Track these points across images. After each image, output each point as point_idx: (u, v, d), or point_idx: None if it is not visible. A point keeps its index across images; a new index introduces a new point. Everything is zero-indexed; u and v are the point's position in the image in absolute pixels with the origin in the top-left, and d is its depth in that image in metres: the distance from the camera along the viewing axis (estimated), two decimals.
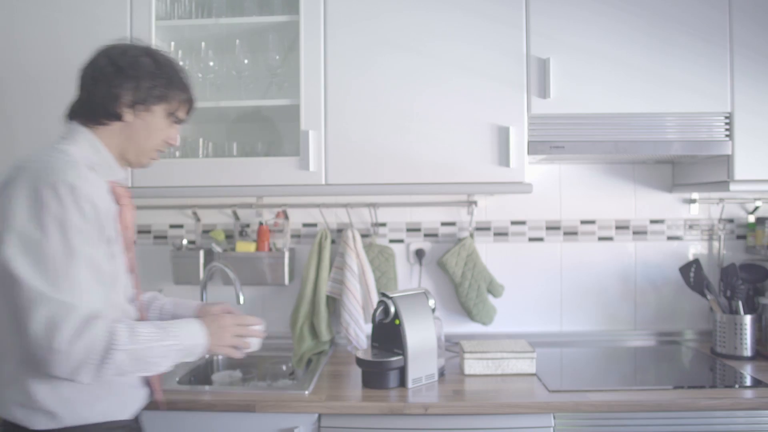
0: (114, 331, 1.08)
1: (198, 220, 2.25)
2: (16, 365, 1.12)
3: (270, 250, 2.14)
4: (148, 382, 1.33)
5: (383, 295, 1.79)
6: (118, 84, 1.22)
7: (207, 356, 1.16)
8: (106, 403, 1.20)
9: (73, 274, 1.07)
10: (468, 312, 2.18)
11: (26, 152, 1.86)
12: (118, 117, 1.23)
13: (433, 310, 1.81)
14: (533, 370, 1.79)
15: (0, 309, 1.11)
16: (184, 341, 1.19)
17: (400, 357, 1.69)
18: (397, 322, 1.72)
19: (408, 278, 2.25)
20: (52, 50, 1.88)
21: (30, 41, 1.89)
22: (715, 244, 2.24)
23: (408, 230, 2.26)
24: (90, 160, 1.22)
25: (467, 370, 1.80)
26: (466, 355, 1.80)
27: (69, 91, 1.91)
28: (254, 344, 1.35)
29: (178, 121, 1.33)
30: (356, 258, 2.10)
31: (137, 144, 1.28)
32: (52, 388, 1.13)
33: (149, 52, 1.27)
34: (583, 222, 2.25)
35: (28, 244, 1.06)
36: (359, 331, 2.04)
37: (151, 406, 1.36)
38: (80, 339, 1.04)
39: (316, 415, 1.58)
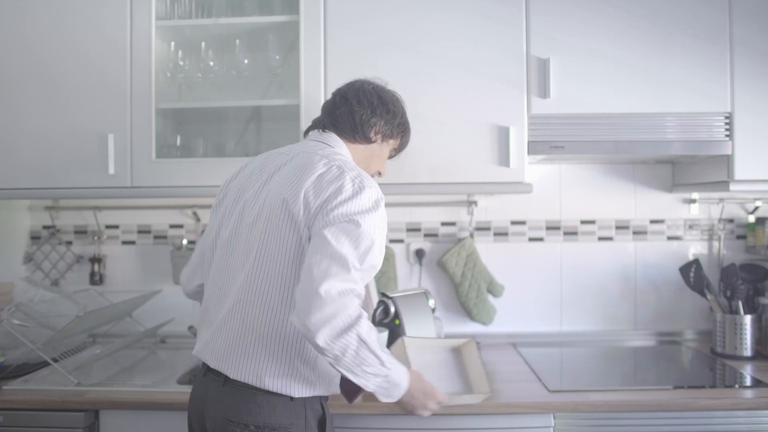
0: (362, 315, 1.16)
1: (198, 220, 2.25)
2: (281, 344, 1.22)
3: None
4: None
5: (383, 295, 1.79)
6: (379, 113, 1.43)
7: (392, 404, 1.28)
8: (335, 380, 1.30)
9: (368, 260, 1.21)
10: (468, 312, 2.18)
11: (29, 153, 1.87)
12: (369, 140, 1.43)
13: (433, 310, 1.81)
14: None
15: (271, 287, 1.22)
16: (393, 376, 1.21)
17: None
18: (397, 322, 1.72)
19: (408, 278, 2.25)
20: (50, 50, 1.88)
21: (27, 41, 1.89)
22: (715, 244, 2.24)
23: (408, 230, 2.26)
24: None
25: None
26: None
27: (67, 92, 1.92)
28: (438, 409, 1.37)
29: (391, 157, 1.55)
30: None
31: (367, 166, 1.46)
32: (312, 366, 1.25)
33: (397, 96, 1.50)
34: (583, 222, 2.25)
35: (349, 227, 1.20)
36: None
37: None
38: (342, 298, 1.13)
39: None
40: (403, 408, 1.30)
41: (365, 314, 1.17)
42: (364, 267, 1.20)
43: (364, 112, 1.41)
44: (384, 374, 1.19)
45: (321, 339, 1.11)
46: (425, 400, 1.30)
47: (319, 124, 1.45)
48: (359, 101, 1.42)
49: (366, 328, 1.15)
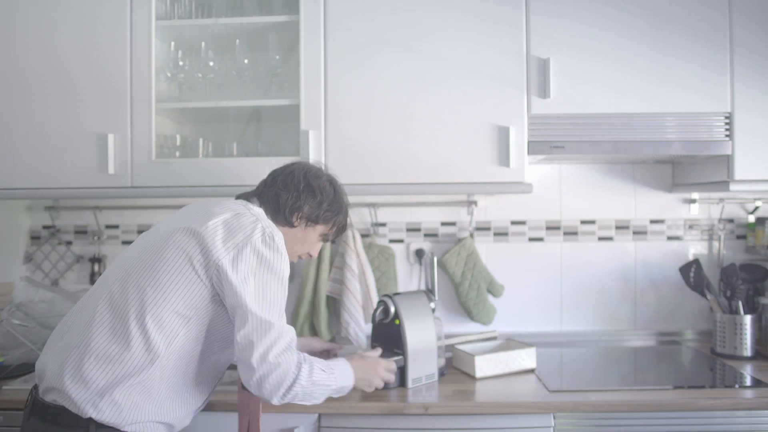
0: (300, 362, 1.28)
1: None
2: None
3: None
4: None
5: (383, 295, 1.79)
6: (303, 199, 1.43)
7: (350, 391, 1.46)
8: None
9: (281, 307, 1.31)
10: (468, 312, 2.18)
11: (29, 153, 1.87)
12: (291, 225, 1.44)
13: (433, 310, 1.81)
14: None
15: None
16: (339, 382, 1.37)
17: (400, 357, 1.69)
18: (397, 322, 1.72)
19: (408, 278, 2.25)
20: (51, 50, 1.88)
21: (27, 41, 1.89)
22: (715, 244, 2.24)
23: (408, 230, 2.26)
24: None
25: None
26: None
27: (67, 92, 1.91)
28: (394, 378, 1.60)
29: (326, 240, 1.54)
30: (356, 258, 2.10)
31: (290, 248, 1.43)
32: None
33: (332, 182, 1.51)
34: (583, 222, 2.25)
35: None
36: (359, 331, 2.05)
37: None
38: (277, 360, 1.25)
39: (316, 415, 1.58)
40: (361, 390, 1.51)
41: (299, 357, 1.28)
42: (277, 308, 1.29)
43: (288, 197, 1.43)
44: (333, 387, 1.36)
45: (276, 401, 1.27)
46: (372, 377, 1.51)
47: (245, 196, 1.47)
48: (285, 185, 1.44)
49: (306, 374, 1.28)
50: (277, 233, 1.32)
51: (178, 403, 1.32)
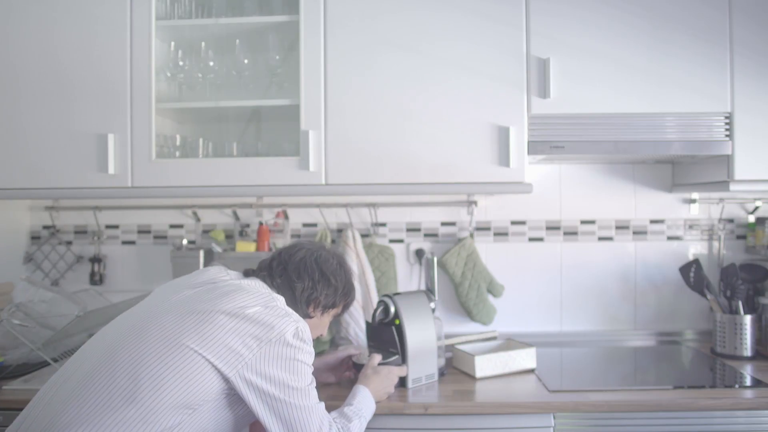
0: None
1: (198, 220, 2.25)
2: None
3: (270, 250, 2.14)
4: None
5: (383, 295, 1.79)
6: (320, 289, 1.39)
7: None
8: None
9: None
10: (468, 312, 2.18)
11: (29, 153, 1.87)
12: (308, 316, 1.39)
13: (433, 310, 1.81)
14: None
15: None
16: (367, 416, 1.43)
17: (398, 356, 1.69)
18: (397, 322, 1.72)
19: (408, 278, 2.25)
20: (51, 50, 1.88)
21: (27, 41, 1.89)
22: (715, 244, 2.24)
23: (408, 230, 2.26)
24: None
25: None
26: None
27: (67, 92, 1.91)
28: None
29: (335, 317, 1.52)
30: (356, 258, 2.10)
31: None
32: None
33: (341, 263, 1.47)
34: (583, 222, 2.25)
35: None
36: (359, 331, 2.05)
37: None
38: None
39: None
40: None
41: (337, 427, 1.30)
42: (307, 389, 1.25)
43: (303, 287, 1.37)
44: (365, 423, 1.40)
45: None
46: (387, 386, 1.58)
47: (261, 277, 1.37)
48: (299, 275, 1.37)
49: None
50: (306, 327, 1.26)
51: None
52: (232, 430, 1.27)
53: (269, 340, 1.19)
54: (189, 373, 1.13)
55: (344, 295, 1.46)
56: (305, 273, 1.38)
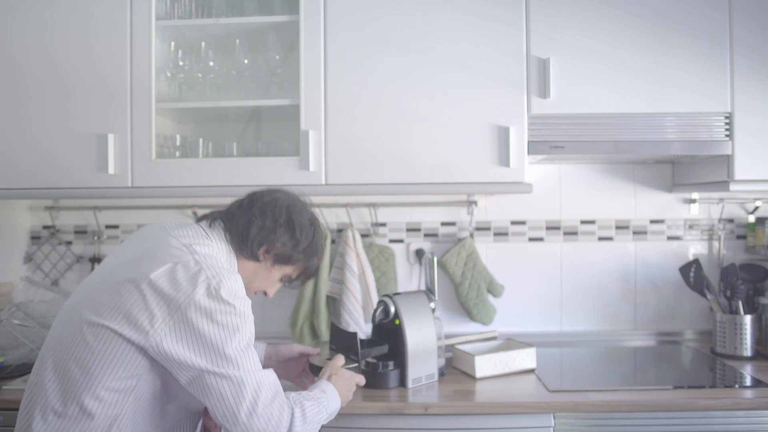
0: (293, 414, 1.16)
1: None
2: None
3: None
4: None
5: (383, 295, 1.79)
6: (280, 234, 1.27)
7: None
8: None
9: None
10: (468, 312, 2.18)
11: (29, 153, 1.87)
12: (256, 259, 1.28)
13: (433, 310, 1.81)
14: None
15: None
16: (329, 409, 1.28)
17: (356, 365, 1.59)
18: (397, 322, 1.72)
19: (408, 278, 2.25)
20: (51, 50, 1.88)
21: (27, 41, 1.89)
22: (715, 244, 2.24)
23: (408, 230, 2.26)
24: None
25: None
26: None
27: (67, 92, 1.91)
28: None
29: (288, 282, 1.38)
30: (356, 258, 2.10)
31: (248, 283, 1.29)
32: None
33: (314, 222, 1.35)
34: (583, 222, 2.25)
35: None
36: (359, 331, 2.04)
37: None
38: (273, 407, 1.14)
39: None
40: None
41: (289, 403, 1.17)
42: (244, 359, 1.13)
43: (262, 226, 1.26)
44: (325, 416, 1.26)
45: None
46: (349, 391, 1.39)
47: (211, 218, 1.30)
48: (263, 213, 1.27)
49: (299, 418, 1.16)
50: (227, 281, 1.13)
51: None
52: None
53: (177, 305, 1.09)
54: (108, 351, 1.09)
55: (304, 255, 1.31)
56: (270, 213, 1.28)
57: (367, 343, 1.71)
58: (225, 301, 1.11)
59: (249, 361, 1.13)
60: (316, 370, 1.52)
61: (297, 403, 1.19)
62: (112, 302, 1.11)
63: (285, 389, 1.21)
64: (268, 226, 1.27)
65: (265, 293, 1.37)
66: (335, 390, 1.33)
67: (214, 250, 1.21)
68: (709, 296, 2.02)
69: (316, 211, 1.40)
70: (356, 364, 1.58)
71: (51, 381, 1.12)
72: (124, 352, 1.10)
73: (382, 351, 1.68)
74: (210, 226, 1.28)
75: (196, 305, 1.09)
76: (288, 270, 1.34)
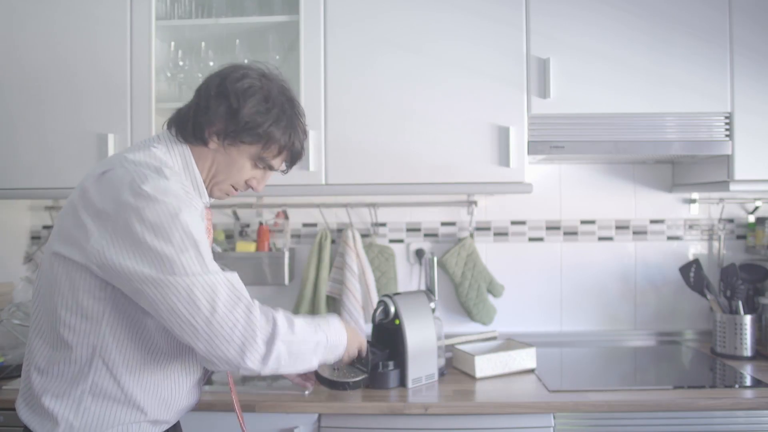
0: (273, 316, 1.07)
1: None
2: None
3: (270, 250, 2.14)
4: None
5: (383, 295, 1.79)
6: (214, 107, 1.14)
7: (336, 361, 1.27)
8: None
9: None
10: (468, 312, 2.18)
11: (29, 153, 1.87)
12: (203, 142, 1.15)
13: (433, 310, 1.81)
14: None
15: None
16: (330, 337, 1.17)
17: (391, 361, 1.62)
18: (397, 322, 1.72)
19: (408, 278, 2.25)
20: (51, 50, 1.88)
21: (28, 41, 1.89)
22: (715, 244, 2.24)
23: (408, 230, 2.26)
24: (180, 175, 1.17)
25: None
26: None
27: (67, 92, 1.91)
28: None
29: (268, 168, 1.22)
30: (356, 258, 2.10)
31: (215, 175, 1.20)
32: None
33: (266, 84, 1.17)
34: (583, 222, 2.25)
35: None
36: (359, 330, 2.04)
37: None
38: (238, 309, 1.03)
39: (316, 415, 1.58)
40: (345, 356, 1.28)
41: (260, 306, 1.07)
42: (188, 259, 1.02)
43: (197, 105, 1.15)
44: (323, 342, 1.15)
45: (257, 366, 1.04)
46: (356, 344, 1.31)
47: (168, 121, 1.21)
48: (198, 92, 1.17)
49: (283, 323, 1.07)
50: (153, 180, 1.04)
51: (150, 392, 1.13)
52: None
53: (107, 214, 1.01)
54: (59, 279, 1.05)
55: (255, 124, 1.14)
56: (204, 88, 1.17)
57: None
58: (151, 196, 1.01)
59: (193, 263, 1.01)
60: (322, 380, 1.46)
61: (278, 310, 1.10)
62: (59, 227, 1.09)
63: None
64: (202, 105, 1.15)
65: (250, 186, 1.24)
66: (341, 323, 1.23)
67: (161, 153, 1.14)
68: (709, 296, 2.02)
69: (284, 79, 1.22)
70: (365, 375, 1.50)
71: (40, 317, 1.12)
72: (73, 274, 1.04)
73: (384, 357, 1.68)
74: (167, 129, 1.20)
75: (123, 206, 1.00)
76: (251, 150, 1.17)
